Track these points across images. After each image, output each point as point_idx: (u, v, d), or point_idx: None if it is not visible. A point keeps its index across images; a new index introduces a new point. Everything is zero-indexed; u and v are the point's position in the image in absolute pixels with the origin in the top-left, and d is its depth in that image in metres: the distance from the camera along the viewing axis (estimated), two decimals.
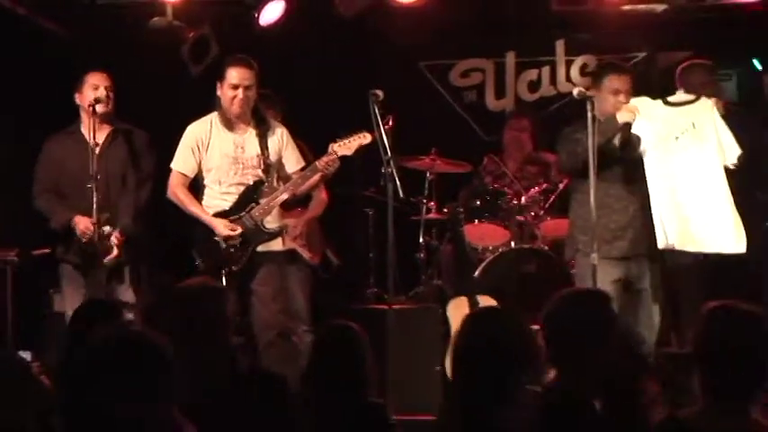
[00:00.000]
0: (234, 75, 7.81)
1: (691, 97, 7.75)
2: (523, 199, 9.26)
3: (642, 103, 7.61)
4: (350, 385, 5.03)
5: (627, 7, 9.68)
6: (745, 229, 8.02)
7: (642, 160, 7.61)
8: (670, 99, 7.73)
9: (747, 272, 8.09)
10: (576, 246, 7.84)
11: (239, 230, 7.78)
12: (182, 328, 5.17)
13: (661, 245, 7.60)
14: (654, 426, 4.48)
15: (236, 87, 7.80)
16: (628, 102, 7.65)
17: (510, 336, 4.54)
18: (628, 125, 7.58)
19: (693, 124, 7.62)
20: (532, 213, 9.24)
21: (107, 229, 7.90)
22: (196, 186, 8.01)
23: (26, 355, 7.72)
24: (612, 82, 7.80)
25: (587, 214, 7.51)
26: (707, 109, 7.65)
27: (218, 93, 7.88)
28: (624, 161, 7.71)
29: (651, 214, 7.62)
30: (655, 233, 7.62)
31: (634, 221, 7.76)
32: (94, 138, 7.84)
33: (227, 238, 7.77)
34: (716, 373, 4.26)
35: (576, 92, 7.86)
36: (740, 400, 4.22)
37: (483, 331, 4.59)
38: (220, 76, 7.88)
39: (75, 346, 5.29)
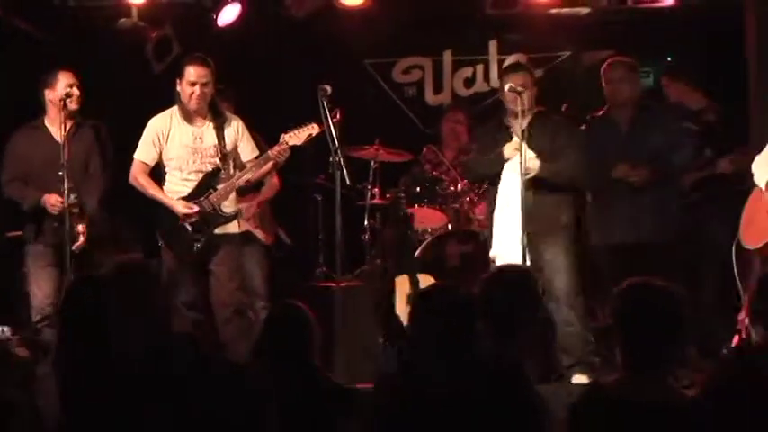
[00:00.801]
0: (192, 72, 7.80)
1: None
2: (459, 186, 9.27)
3: None
4: (296, 355, 5.03)
5: (553, 10, 9.71)
6: (659, 216, 8.13)
7: None
8: None
9: (663, 255, 8.16)
10: None
11: (196, 209, 7.78)
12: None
13: None
14: (578, 393, 4.50)
15: (193, 84, 7.79)
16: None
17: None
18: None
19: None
20: (468, 199, 9.25)
21: (79, 227, 7.90)
22: (160, 174, 8.00)
23: (6, 329, 7.66)
24: (510, 80, 7.88)
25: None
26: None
27: (178, 88, 7.87)
28: None
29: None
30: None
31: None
32: (65, 130, 7.84)
33: (185, 217, 7.79)
34: (633, 344, 4.30)
35: (507, 87, 7.90)
36: (656, 369, 4.24)
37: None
38: (179, 74, 7.87)
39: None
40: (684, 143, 8.37)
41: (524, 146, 7.71)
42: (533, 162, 7.78)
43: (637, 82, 8.51)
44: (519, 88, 7.74)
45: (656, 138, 8.22)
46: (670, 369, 4.28)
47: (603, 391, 4.39)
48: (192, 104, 7.84)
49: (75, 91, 8.03)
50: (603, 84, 8.45)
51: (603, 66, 8.55)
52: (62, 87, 8.00)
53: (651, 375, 4.23)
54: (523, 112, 7.81)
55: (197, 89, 7.79)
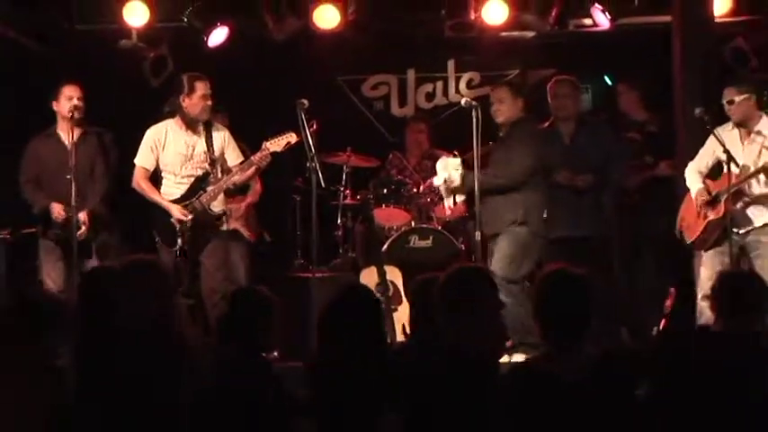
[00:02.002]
0: (202, 87, 7.90)
1: None
2: (422, 188, 9.26)
3: None
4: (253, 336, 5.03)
5: (504, 33, 9.71)
6: (596, 214, 8.20)
7: None
8: None
9: (599, 247, 8.23)
10: None
11: (190, 216, 7.82)
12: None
13: None
14: (507, 369, 4.56)
15: (205, 97, 7.88)
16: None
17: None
18: None
19: None
20: (429, 199, 9.25)
21: (81, 216, 7.93)
22: (157, 177, 8.03)
23: None
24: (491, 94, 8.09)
25: None
26: None
27: (184, 103, 7.92)
28: None
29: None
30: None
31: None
32: (73, 138, 7.87)
33: (180, 221, 7.81)
34: (551, 323, 4.36)
35: (463, 101, 7.98)
36: (572, 343, 4.30)
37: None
38: (189, 90, 7.91)
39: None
40: (621, 156, 8.43)
41: (448, 160, 7.98)
42: (455, 174, 7.97)
43: (579, 98, 8.59)
44: (474, 102, 7.81)
45: (594, 150, 8.32)
46: (582, 344, 4.33)
47: (529, 366, 4.47)
48: (204, 115, 7.94)
49: (78, 102, 8.05)
50: (550, 99, 8.50)
51: (550, 83, 8.60)
52: (65, 100, 8.06)
53: (567, 348, 4.29)
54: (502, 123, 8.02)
55: (209, 101, 7.90)
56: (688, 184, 7.66)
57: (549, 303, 4.36)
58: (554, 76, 8.82)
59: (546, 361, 4.37)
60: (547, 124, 8.55)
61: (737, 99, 7.41)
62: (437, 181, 8.18)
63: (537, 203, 8.02)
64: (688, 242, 7.65)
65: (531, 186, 7.98)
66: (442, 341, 4.80)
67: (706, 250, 7.46)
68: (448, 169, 8.05)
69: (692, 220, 7.60)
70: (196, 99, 7.88)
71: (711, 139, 7.48)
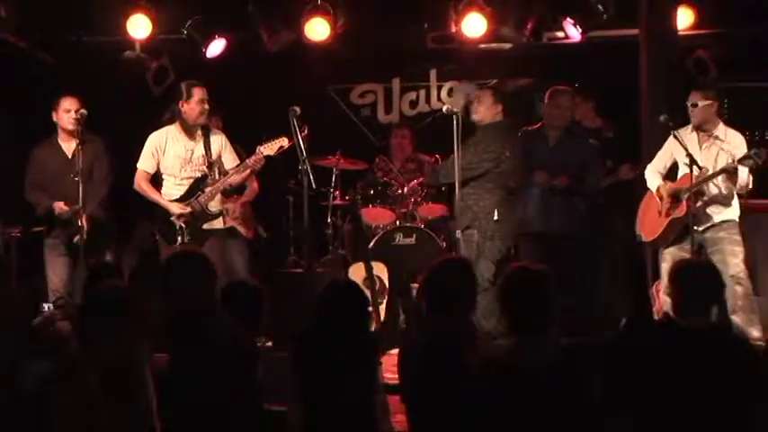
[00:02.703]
0: (199, 93, 7.94)
1: None
2: (406, 189, 9.27)
3: None
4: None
5: (483, 45, 9.73)
6: (566, 213, 8.25)
7: None
8: None
9: (567, 243, 8.28)
10: None
11: (189, 210, 7.85)
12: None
13: None
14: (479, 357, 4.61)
15: (202, 102, 7.92)
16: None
17: None
18: None
19: None
20: (412, 200, 9.26)
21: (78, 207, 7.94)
22: (158, 179, 8.06)
23: (49, 306, 7.72)
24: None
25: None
26: None
27: (182, 108, 7.96)
28: None
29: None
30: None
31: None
32: (78, 145, 7.89)
33: (179, 217, 7.85)
34: (514, 317, 4.41)
35: (444, 108, 8.07)
36: (535, 334, 4.35)
37: None
38: (187, 96, 7.96)
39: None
40: (596, 164, 8.49)
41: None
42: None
43: (572, 110, 8.62)
44: (455, 108, 7.91)
45: (574, 157, 8.36)
46: (543, 333, 4.37)
47: (492, 357, 4.51)
48: (202, 119, 7.97)
49: (74, 114, 8.06)
50: (547, 106, 8.54)
51: (550, 91, 8.61)
52: (63, 112, 8.12)
53: (531, 339, 4.33)
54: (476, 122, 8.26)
55: (206, 106, 7.93)
56: (648, 184, 7.73)
57: (512, 299, 4.41)
58: (538, 87, 8.84)
59: (510, 353, 4.42)
60: (536, 127, 8.62)
61: (701, 103, 7.46)
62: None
63: (486, 208, 8.12)
64: (646, 240, 7.72)
65: (478, 191, 8.13)
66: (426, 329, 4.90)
67: (667, 247, 7.51)
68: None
69: (650, 220, 7.65)
70: (193, 104, 7.92)
71: (669, 141, 7.54)
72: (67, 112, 8.10)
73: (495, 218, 8.10)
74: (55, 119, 8.19)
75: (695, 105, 7.47)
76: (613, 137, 8.99)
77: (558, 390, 4.21)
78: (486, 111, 8.24)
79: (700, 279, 4.71)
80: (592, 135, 8.88)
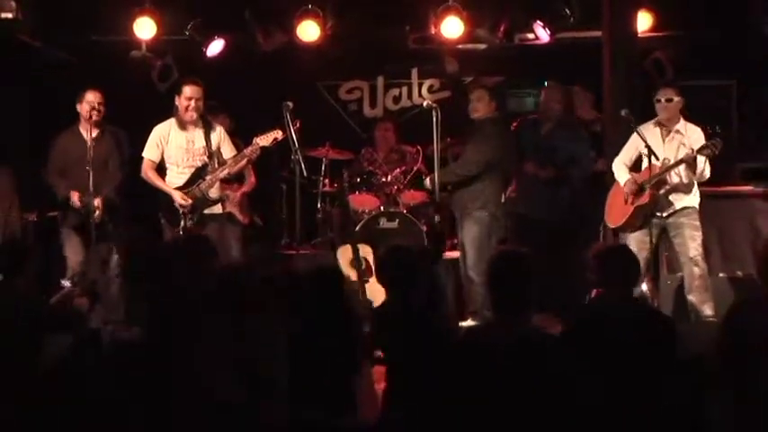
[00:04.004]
0: (187, 91, 7.81)
1: None
2: (389, 177, 9.23)
3: None
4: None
5: (460, 46, 9.73)
6: (552, 200, 8.19)
7: None
8: None
9: (552, 227, 8.22)
10: None
11: (190, 201, 7.76)
12: None
13: None
14: (458, 335, 4.55)
15: (189, 99, 7.79)
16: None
17: None
18: None
19: None
20: (395, 187, 9.21)
21: (96, 202, 7.83)
22: (162, 168, 7.98)
23: (67, 282, 7.64)
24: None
25: None
26: None
27: (177, 103, 7.86)
28: None
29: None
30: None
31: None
32: (92, 136, 7.80)
33: (181, 205, 7.76)
34: (498, 295, 4.32)
35: (425, 104, 8.12)
36: (517, 313, 4.26)
37: None
38: (178, 92, 7.89)
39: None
40: (583, 159, 8.42)
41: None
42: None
43: (563, 104, 8.55)
44: (434, 104, 7.92)
45: (563, 149, 8.30)
46: (528, 312, 4.29)
47: (476, 333, 4.45)
48: (188, 115, 7.82)
49: (97, 106, 7.97)
50: (542, 99, 8.59)
51: (546, 86, 8.63)
52: (86, 103, 7.98)
53: (513, 318, 4.25)
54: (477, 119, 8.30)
55: (192, 103, 7.79)
56: (616, 176, 7.67)
57: (496, 278, 4.33)
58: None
59: (487, 328, 4.36)
60: (533, 118, 8.66)
61: (675, 99, 7.41)
62: None
63: (495, 191, 8.25)
64: (612, 227, 7.68)
65: (489, 177, 8.19)
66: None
67: (631, 232, 7.45)
68: None
69: (616, 208, 7.59)
70: (182, 99, 7.84)
71: (635, 135, 7.47)
72: (89, 103, 7.98)
73: (502, 200, 8.39)
74: (78, 109, 8.06)
75: (670, 100, 7.40)
76: (601, 131, 8.88)
77: (524, 366, 4.12)
78: (485, 108, 8.32)
79: (621, 261, 4.93)
80: (583, 126, 8.81)
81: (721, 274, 7.90)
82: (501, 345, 4.16)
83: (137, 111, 9.18)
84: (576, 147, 8.43)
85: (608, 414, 4.28)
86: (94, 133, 7.85)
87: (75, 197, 7.92)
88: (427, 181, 8.52)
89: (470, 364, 4.20)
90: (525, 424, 4.03)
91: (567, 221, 8.31)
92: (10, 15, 8.68)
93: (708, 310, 7.17)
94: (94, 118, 7.91)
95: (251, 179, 8.66)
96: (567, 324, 4.89)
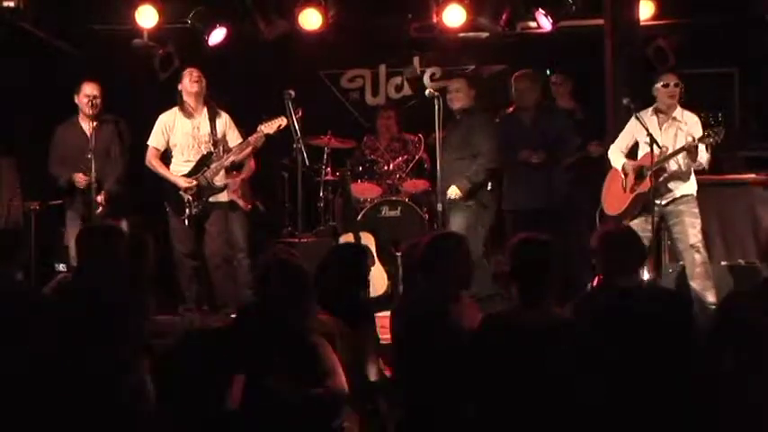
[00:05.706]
0: (189, 75, 7.98)
1: None
2: (391, 166, 9.29)
3: None
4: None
5: (461, 34, 9.72)
6: (548, 189, 8.21)
7: None
8: None
9: (551, 216, 8.25)
10: None
11: (195, 183, 7.81)
12: None
13: None
14: (480, 320, 4.57)
15: (193, 81, 7.94)
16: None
17: None
18: None
19: None
20: (397, 176, 9.28)
21: (99, 198, 7.92)
22: (168, 156, 8.02)
23: (63, 266, 7.69)
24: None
25: None
26: None
27: (180, 88, 7.98)
28: None
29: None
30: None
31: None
32: (93, 126, 7.89)
33: (186, 189, 7.81)
34: (522, 281, 4.37)
35: (427, 92, 8.07)
36: (541, 299, 4.32)
37: None
38: (181, 78, 8.03)
39: None
40: (570, 138, 8.45)
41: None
42: (452, 189, 8.31)
43: (537, 89, 8.54)
44: (436, 93, 7.90)
45: (550, 132, 8.31)
46: (549, 299, 4.35)
47: (501, 318, 4.48)
48: (192, 99, 7.90)
49: (94, 99, 8.05)
50: (513, 90, 8.50)
51: (514, 77, 8.57)
52: (84, 95, 8.07)
53: (537, 304, 4.31)
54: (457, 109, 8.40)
55: (195, 86, 7.89)
56: (612, 162, 7.72)
57: (520, 265, 4.38)
58: (513, 72, 8.77)
59: (515, 313, 4.39)
60: (510, 111, 8.58)
61: (680, 85, 7.45)
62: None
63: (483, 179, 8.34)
64: (610, 214, 7.70)
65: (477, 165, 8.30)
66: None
67: (631, 219, 7.49)
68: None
69: (614, 195, 7.63)
70: (185, 83, 7.96)
71: (631, 123, 7.52)
72: (87, 96, 8.06)
73: (489, 188, 8.44)
74: (77, 101, 8.13)
75: (677, 85, 7.44)
76: (583, 118, 8.94)
77: (552, 349, 4.18)
78: (464, 97, 8.43)
79: (629, 245, 4.95)
80: (564, 115, 8.82)
81: (723, 263, 7.96)
82: (529, 330, 4.23)
83: (138, 100, 9.24)
84: (564, 125, 8.46)
85: (635, 398, 4.32)
86: (94, 124, 7.92)
87: (79, 177, 7.98)
88: (454, 191, 8.38)
89: (499, 349, 4.27)
90: (556, 410, 4.10)
91: (561, 207, 8.34)
92: (12, 4, 8.68)
93: (710, 297, 7.22)
94: (92, 110, 7.98)
95: (250, 164, 8.68)
96: (577, 309, 4.87)
